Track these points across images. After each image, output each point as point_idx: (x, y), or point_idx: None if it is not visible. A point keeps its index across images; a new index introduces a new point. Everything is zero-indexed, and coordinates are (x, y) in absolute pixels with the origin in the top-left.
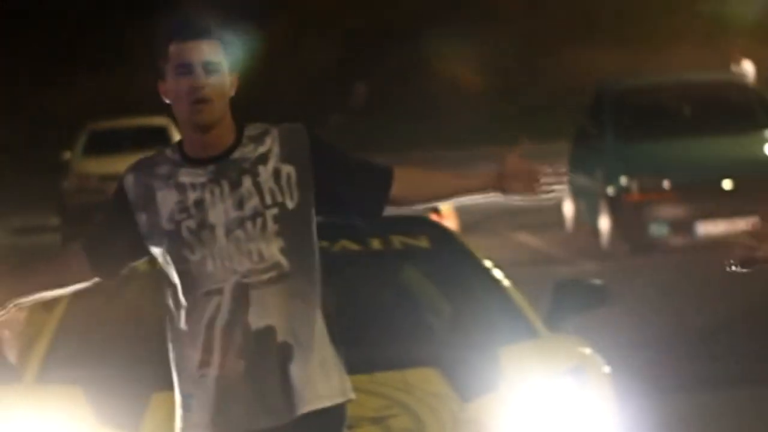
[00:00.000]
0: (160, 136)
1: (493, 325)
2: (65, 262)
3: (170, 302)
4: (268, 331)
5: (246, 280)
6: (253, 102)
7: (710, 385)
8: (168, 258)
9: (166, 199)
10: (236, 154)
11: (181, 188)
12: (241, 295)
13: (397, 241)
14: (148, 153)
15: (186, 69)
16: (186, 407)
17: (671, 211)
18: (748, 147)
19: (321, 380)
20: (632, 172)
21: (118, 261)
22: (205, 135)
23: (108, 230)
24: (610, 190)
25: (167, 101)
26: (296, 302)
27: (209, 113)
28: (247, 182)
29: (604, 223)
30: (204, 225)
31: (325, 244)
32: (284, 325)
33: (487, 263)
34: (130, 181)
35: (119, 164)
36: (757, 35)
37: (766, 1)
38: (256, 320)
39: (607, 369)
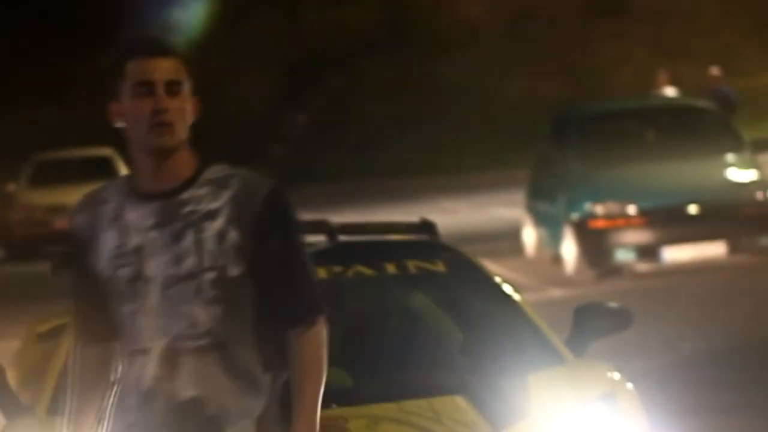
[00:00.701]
0: (105, 166)
1: (518, 351)
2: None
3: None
4: (196, 404)
5: (176, 345)
6: (192, 134)
7: (694, 411)
8: (104, 307)
9: (107, 242)
10: (186, 195)
11: (123, 230)
12: (170, 360)
13: (412, 265)
14: (95, 185)
15: (147, 89)
16: None
17: (637, 236)
18: (712, 171)
19: None
20: (597, 198)
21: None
22: (162, 162)
23: (85, 294)
24: (575, 216)
25: (120, 124)
26: (232, 374)
27: (169, 136)
28: (189, 238)
29: (569, 249)
30: (139, 276)
31: (339, 269)
32: (215, 398)
33: (507, 287)
34: (78, 223)
35: (65, 195)
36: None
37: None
38: (182, 390)
39: (636, 395)
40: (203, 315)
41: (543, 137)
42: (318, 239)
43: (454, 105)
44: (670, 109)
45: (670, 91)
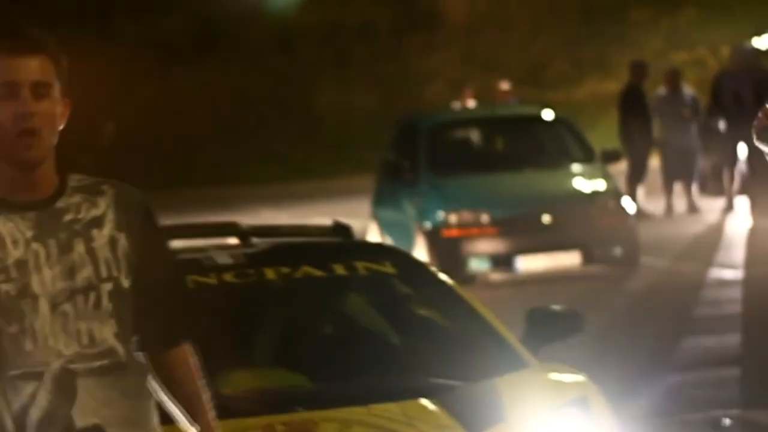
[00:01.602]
0: None
1: (480, 353)
2: None
3: None
4: (96, 431)
5: (72, 366)
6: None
7: None
8: None
9: None
10: (60, 204)
11: (0, 242)
12: (66, 383)
13: (361, 266)
14: None
15: (9, 90)
16: None
17: (491, 245)
18: (564, 181)
19: None
20: (449, 207)
21: None
22: (31, 172)
23: None
24: (427, 225)
25: None
26: (132, 398)
27: (37, 148)
28: (79, 247)
29: (420, 257)
30: (25, 293)
31: (286, 270)
32: (117, 424)
33: (458, 288)
34: None
35: None
36: (511, 75)
37: (513, 42)
38: (81, 417)
39: (606, 399)
40: (102, 331)
41: (388, 144)
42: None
43: (267, 115)
44: (519, 118)
45: (472, 105)
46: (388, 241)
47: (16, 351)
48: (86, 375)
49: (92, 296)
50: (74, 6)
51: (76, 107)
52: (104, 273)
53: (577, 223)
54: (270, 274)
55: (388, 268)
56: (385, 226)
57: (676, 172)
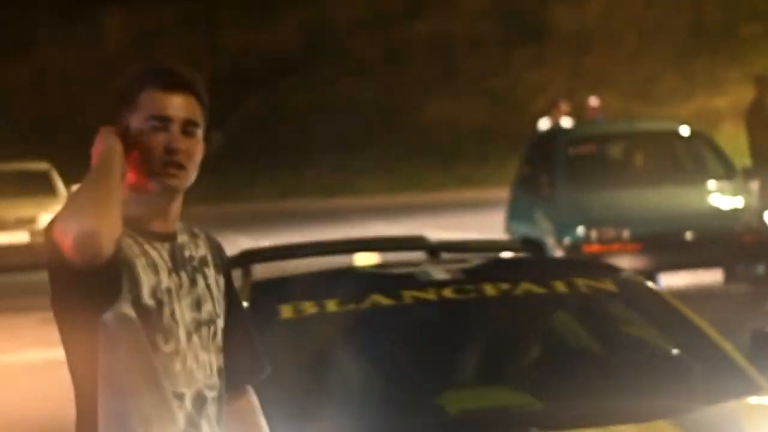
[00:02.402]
0: (42, 180)
1: (710, 375)
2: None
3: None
4: None
5: (203, 393)
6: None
7: None
8: (141, 338)
9: (147, 273)
10: (180, 240)
11: (153, 267)
12: (201, 408)
13: (581, 284)
14: (32, 199)
15: (162, 124)
16: None
17: (633, 262)
18: (705, 197)
19: None
20: (590, 222)
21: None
22: (167, 203)
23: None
24: (566, 241)
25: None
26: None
27: (181, 179)
28: (201, 282)
29: None
30: (173, 318)
31: (506, 286)
32: None
33: (682, 307)
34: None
35: (2, 210)
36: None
37: (622, 56)
38: None
39: None
40: (215, 363)
41: (523, 158)
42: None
43: (375, 127)
44: (657, 133)
45: (566, 122)
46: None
47: (167, 370)
48: (210, 403)
49: (212, 330)
50: (181, 16)
51: None
52: (218, 310)
53: (719, 240)
54: (490, 290)
55: (609, 286)
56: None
57: None
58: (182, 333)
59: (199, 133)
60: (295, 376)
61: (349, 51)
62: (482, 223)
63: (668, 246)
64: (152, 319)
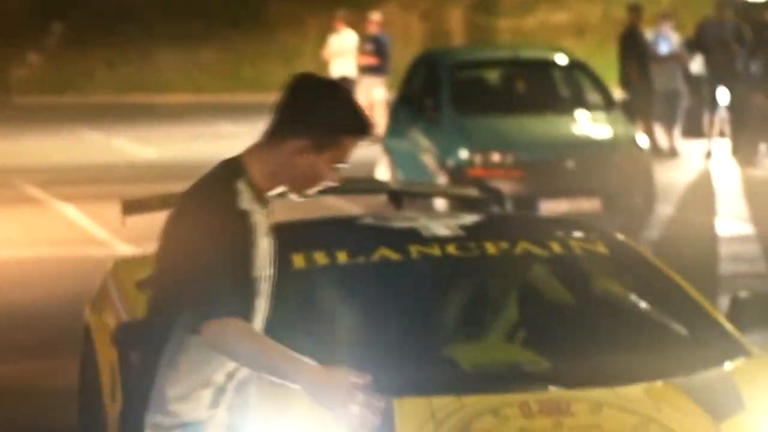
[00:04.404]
0: None
1: (701, 339)
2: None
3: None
4: None
5: None
6: None
7: None
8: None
9: (261, 246)
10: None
11: (263, 237)
12: None
13: (576, 245)
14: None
15: (343, 164)
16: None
17: (514, 187)
18: (586, 126)
19: None
20: (475, 147)
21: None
22: (279, 197)
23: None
24: (450, 163)
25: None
26: None
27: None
28: (271, 246)
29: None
30: (267, 279)
31: (505, 245)
32: None
33: (670, 272)
34: (247, 220)
35: None
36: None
37: None
38: None
39: None
40: (266, 312)
41: (405, 79)
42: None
43: (216, 25)
44: (540, 62)
45: (347, 34)
46: (400, 174)
47: (254, 319)
48: None
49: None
50: None
51: (24, 5)
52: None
53: (599, 169)
54: (491, 248)
55: (601, 248)
56: (398, 160)
57: (659, 113)
58: (266, 288)
59: None
60: (308, 328)
61: None
62: None
63: (549, 173)
64: (257, 281)
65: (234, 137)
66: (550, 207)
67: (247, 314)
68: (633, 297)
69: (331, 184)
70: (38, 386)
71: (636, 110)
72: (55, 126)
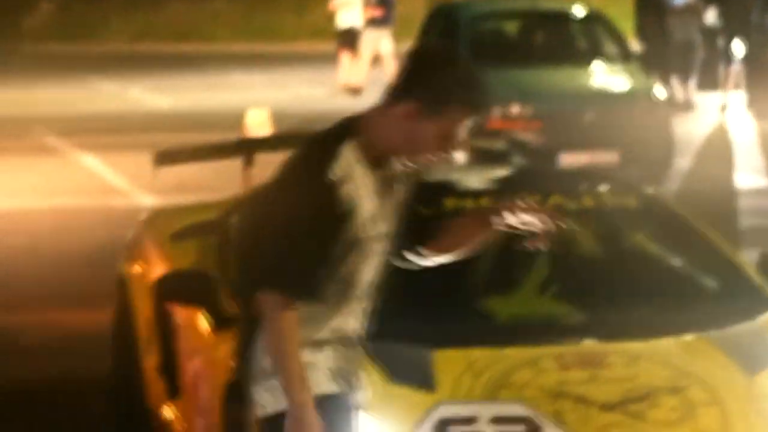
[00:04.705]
0: None
1: (732, 293)
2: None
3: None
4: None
5: (369, 293)
6: None
7: None
8: (341, 265)
9: (365, 208)
10: (388, 169)
11: (370, 198)
12: (365, 304)
13: (607, 198)
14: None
15: (452, 134)
16: None
17: (533, 140)
18: (604, 78)
19: None
20: (494, 98)
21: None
22: (387, 159)
23: (316, 247)
24: None
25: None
26: None
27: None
28: (392, 202)
29: None
30: (374, 234)
31: (537, 198)
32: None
33: (700, 226)
34: (344, 190)
35: None
36: None
37: None
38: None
39: None
40: (379, 268)
41: (421, 31)
42: None
43: None
44: (558, 14)
45: None
46: None
47: (359, 279)
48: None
49: (385, 245)
50: None
51: None
52: (397, 224)
53: (617, 121)
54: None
55: (632, 202)
56: None
57: (675, 66)
58: (373, 246)
59: None
60: None
61: None
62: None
63: (568, 125)
64: (363, 242)
65: (247, 87)
66: (568, 159)
67: (311, 289)
68: (664, 250)
69: (445, 159)
70: (70, 337)
71: (652, 62)
72: (69, 75)
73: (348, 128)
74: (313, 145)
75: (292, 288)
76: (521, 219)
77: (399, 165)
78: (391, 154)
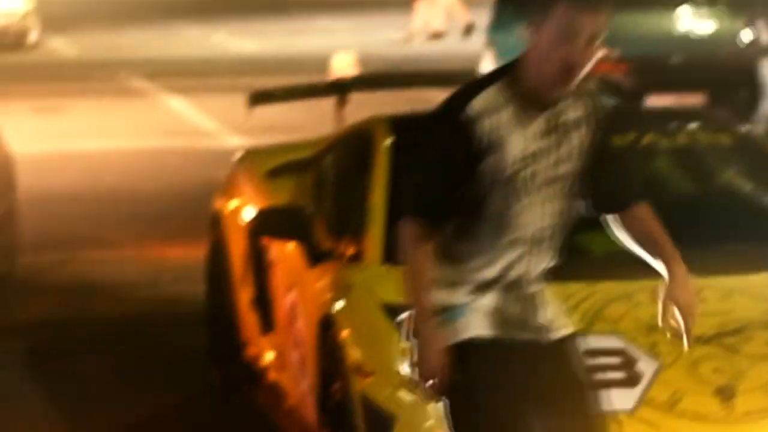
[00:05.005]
0: None
1: None
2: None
3: (456, 243)
4: (538, 284)
5: (539, 235)
6: None
7: None
8: (489, 203)
9: (512, 147)
10: (559, 107)
11: (522, 137)
12: (536, 248)
13: (702, 136)
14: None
15: (569, 37)
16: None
17: (621, 81)
18: (691, 21)
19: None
20: None
21: (447, 214)
22: (550, 92)
23: (443, 180)
24: None
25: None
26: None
27: (569, 87)
28: (567, 143)
29: None
30: (534, 176)
31: (632, 137)
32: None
33: None
34: (482, 125)
35: None
36: None
37: None
38: (535, 271)
39: None
40: (554, 210)
41: None
42: None
43: None
44: None
45: None
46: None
47: (514, 223)
48: (542, 242)
49: (561, 185)
50: None
51: None
52: (573, 168)
53: (704, 64)
54: (618, 140)
55: (727, 140)
56: (503, 54)
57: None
58: (536, 189)
59: (598, 42)
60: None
61: None
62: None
63: (655, 67)
64: (512, 181)
65: (331, 32)
66: (655, 101)
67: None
68: (758, 188)
69: (589, 64)
70: (166, 270)
71: (738, 5)
72: (152, 20)
73: (503, 72)
74: (464, 86)
75: (418, 214)
76: None
77: (566, 101)
78: (546, 89)
